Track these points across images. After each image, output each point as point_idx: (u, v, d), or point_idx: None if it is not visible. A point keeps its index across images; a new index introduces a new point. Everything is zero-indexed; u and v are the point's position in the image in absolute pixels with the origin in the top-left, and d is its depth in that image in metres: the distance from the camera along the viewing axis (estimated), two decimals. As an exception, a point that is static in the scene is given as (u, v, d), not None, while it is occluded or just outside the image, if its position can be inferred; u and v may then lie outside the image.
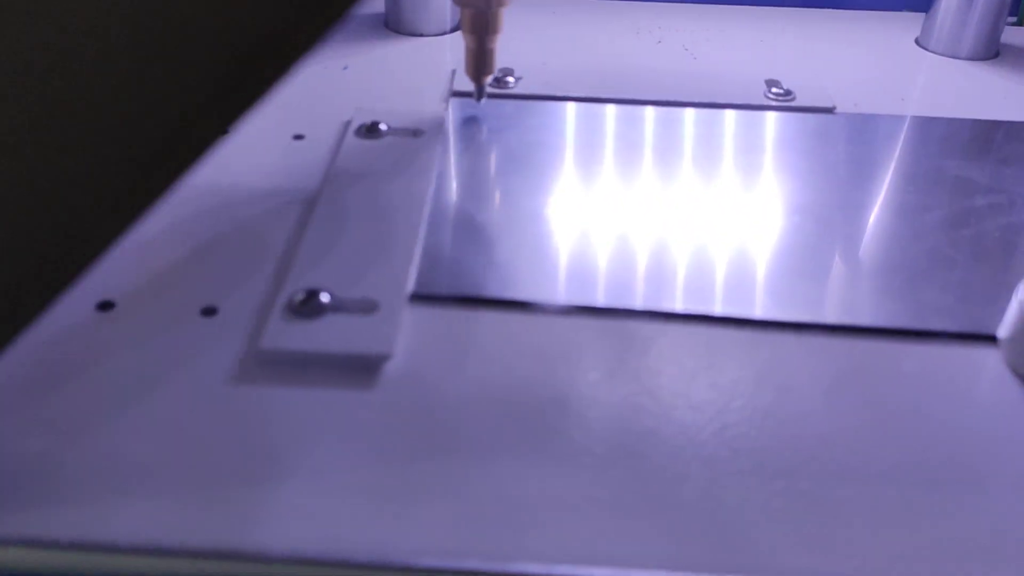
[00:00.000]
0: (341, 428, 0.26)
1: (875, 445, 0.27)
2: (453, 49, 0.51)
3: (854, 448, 0.27)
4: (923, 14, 0.53)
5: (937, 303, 0.32)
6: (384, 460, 0.25)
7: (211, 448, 0.25)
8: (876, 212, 0.37)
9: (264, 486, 0.24)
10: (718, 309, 0.31)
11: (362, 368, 0.28)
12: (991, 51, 0.52)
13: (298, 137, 0.41)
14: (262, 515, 0.24)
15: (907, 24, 0.56)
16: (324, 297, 0.30)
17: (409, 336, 0.30)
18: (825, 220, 0.37)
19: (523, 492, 0.25)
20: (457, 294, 0.32)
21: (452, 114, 0.43)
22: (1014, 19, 0.58)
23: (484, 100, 0.42)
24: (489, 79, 0.42)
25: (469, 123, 0.43)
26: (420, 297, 0.31)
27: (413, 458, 0.25)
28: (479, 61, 0.41)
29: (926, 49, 0.53)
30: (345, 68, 0.47)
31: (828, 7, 0.58)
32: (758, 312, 0.31)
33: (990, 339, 0.30)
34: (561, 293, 0.32)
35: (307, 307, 0.29)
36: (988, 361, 0.30)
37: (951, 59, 0.52)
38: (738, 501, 0.25)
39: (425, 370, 0.28)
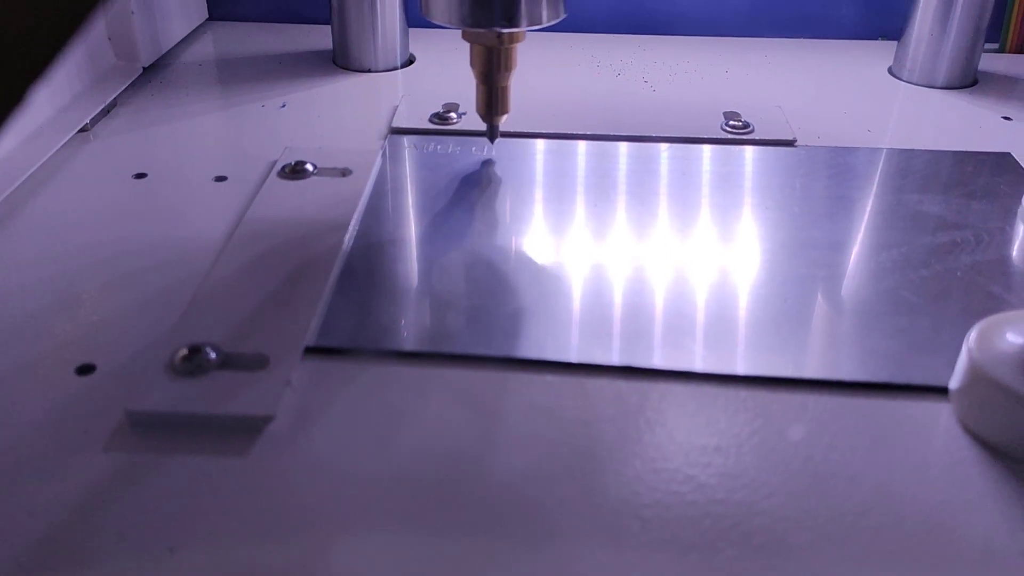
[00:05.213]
0: (201, 502, 0.24)
1: (806, 513, 0.24)
2: (404, 85, 0.49)
3: (783, 516, 0.24)
4: (896, 42, 0.51)
5: (886, 351, 0.29)
6: (238, 540, 0.23)
7: (64, 526, 0.23)
8: (828, 252, 0.34)
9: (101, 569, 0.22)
10: (648, 360, 0.29)
11: (242, 431, 0.26)
12: (968, 79, 0.50)
13: (220, 179, 0.39)
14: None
15: (880, 53, 0.54)
16: (210, 353, 0.27)
17: (302, 394, 0.27)
18: (772, 262, 0.34)
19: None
20: (362, 346, 0.29)
21: (387, 152, 0.41)
22: (995, 45, 0.55)
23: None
24: (503, 119, 0.39)
25: (405, 161, 0.40)
26: (320, 350, 0.29)
27: (266, 540, 0.23)
28: (491, 100, 0.38)
29: (899, 78, 0.50)
30: (283, 106, 0.45)
31: (797, 36, 0.56)
32: (698, 363, 0.29)
33: (942, 391, 0.28)
34: (483, 344, 0.29)
35: (190, 364, 0.27)
36: (940, 416, 0.27)
37: (925, 88, 0.49)
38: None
39: (312, 433, 0.26)
